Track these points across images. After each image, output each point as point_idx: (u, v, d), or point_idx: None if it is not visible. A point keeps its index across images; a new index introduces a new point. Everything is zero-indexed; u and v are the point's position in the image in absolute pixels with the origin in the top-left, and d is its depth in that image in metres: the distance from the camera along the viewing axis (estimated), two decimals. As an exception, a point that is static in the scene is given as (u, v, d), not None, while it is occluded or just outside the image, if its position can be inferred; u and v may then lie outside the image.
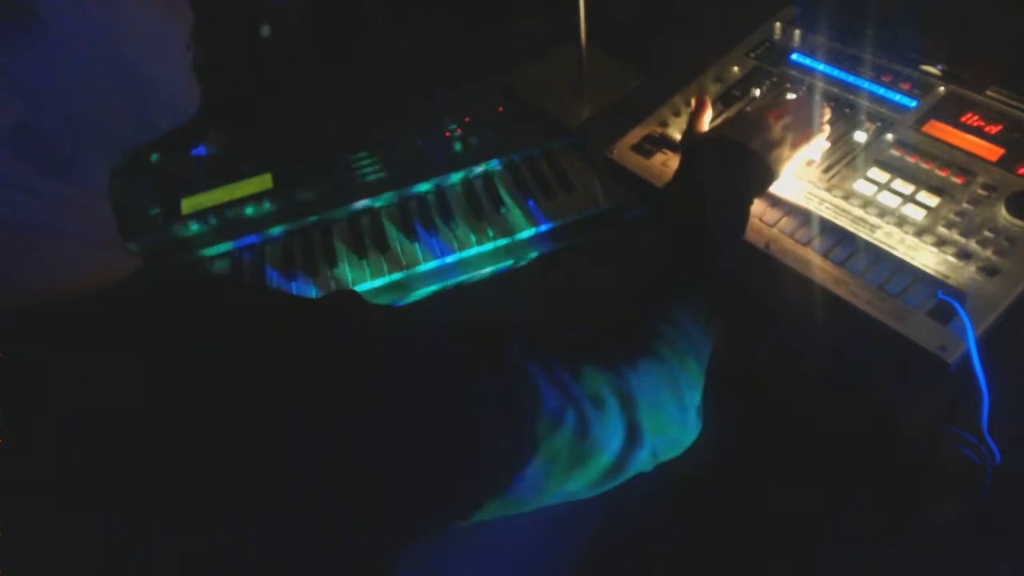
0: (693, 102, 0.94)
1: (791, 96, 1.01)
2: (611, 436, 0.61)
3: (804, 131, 0.89)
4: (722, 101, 1.05)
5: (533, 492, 0.58)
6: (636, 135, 1.05)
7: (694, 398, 0.69)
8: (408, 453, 0.49)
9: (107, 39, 0.45)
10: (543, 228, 1.11)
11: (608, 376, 0.63)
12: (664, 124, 1.05)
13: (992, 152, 0.88)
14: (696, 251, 0.78)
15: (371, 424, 0.48)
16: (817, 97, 0.97)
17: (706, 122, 0.93)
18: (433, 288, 1.07)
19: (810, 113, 0.91)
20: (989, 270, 0.78)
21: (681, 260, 0.77)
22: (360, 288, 1.07)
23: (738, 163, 0.82)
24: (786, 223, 0.89)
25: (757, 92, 1.04)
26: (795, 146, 0.88)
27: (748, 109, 1.00)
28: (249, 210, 1.17)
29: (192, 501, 0.44)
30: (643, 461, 0.65)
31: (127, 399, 0.44)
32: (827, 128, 0.92)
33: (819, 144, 0.92)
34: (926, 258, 0.80)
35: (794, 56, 1.07)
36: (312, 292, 1.07)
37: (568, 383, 0.60)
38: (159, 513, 0.44)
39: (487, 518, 0.57)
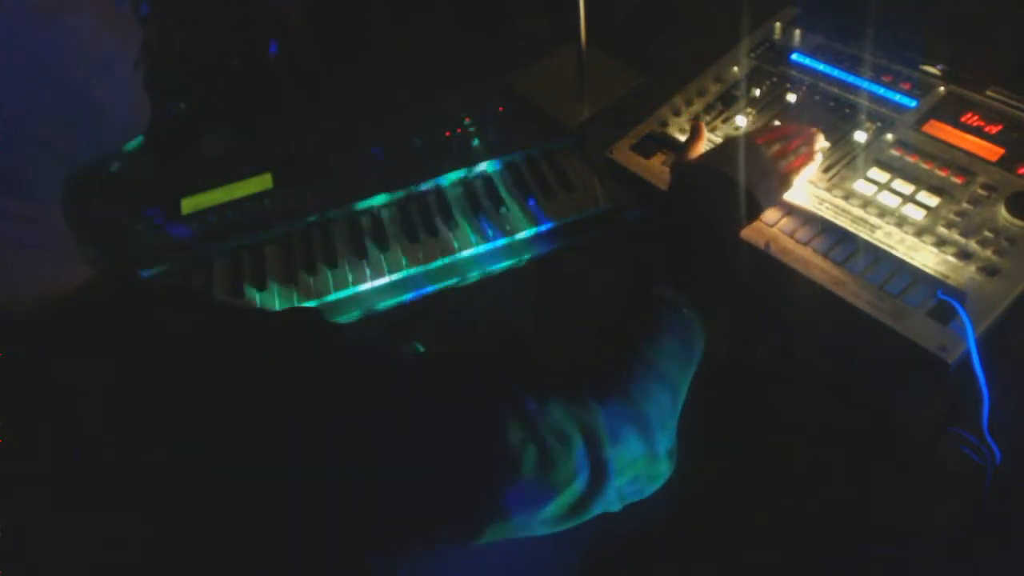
0: (689, 127, 0.93)
1: (791, 100, 1.01)
2: (575, 473, 0.60)
3: (794, 160, 0.88)
4: (722, 101, 1.05)
5: (492, 526, 0.57)
6: (636, 135, 1.05)
7: (665, 440, 0.68)
8: (363, 489, 0.49)
9: (55, 60, 0.46)
10: (543, 228, 1.11)
11: (576, 413, 0.62)
12: (664, 124, 1.05)
13: (992, 152, 0.88)
14: (675, 285, 0.75)
15: (337, 431, 0.48)
16: (809, 122, 0.96)
17: (700, 149, 0.91)
18: (434, 288, 1.07)
19: (801, 140, 0.90)
20: (989, 270, 0.78)
21: (661, 294, 0.75)
22: (360, 288, 1.07)
23: (723, 196, 0.81)
24: (786, 223, 0.88)
25: (757, 92, 1.04)
26: (785, 176, 0.87)
27: (736, 135, 0.99)
28: (249, 210, 1.17)
29: (191, 503, 0.45)
30: (608, 501, 0.64)
31: (121, 402, 0.44)
32: (819, 157, 0.91)
33: (810, 172, 0.90)
34: (926, 258, 0.80)
35: (794, 56, 1.07)
36: (312, 291, 1.07)
37: (533, 417, 0.59)
38: (158, 513, 0.44)
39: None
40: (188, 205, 1.18)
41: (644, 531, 0.91)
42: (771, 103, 1.03)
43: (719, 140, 0.98)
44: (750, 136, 0.89)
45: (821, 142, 0.92)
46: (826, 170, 0.92)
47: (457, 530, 0.57)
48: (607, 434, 0.62)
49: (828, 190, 0.90)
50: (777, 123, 1.00)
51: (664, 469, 0.68)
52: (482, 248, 1.09)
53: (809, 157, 0.89)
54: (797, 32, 1.10)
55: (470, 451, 0.55)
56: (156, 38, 0.55)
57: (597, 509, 0.64)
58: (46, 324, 0.46)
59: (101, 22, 0.48)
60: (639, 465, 0.66)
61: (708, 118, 1.03)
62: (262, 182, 1.20)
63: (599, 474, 0.62)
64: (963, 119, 0.92)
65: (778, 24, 1.12)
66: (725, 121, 1.02)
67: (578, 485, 0.61)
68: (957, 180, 0.86)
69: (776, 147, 0.87)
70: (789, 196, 0.89)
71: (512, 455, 0.56)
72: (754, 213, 0.83)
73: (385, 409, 0.50)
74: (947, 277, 0.78)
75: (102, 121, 0.51)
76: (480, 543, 0.58)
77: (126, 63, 0.51)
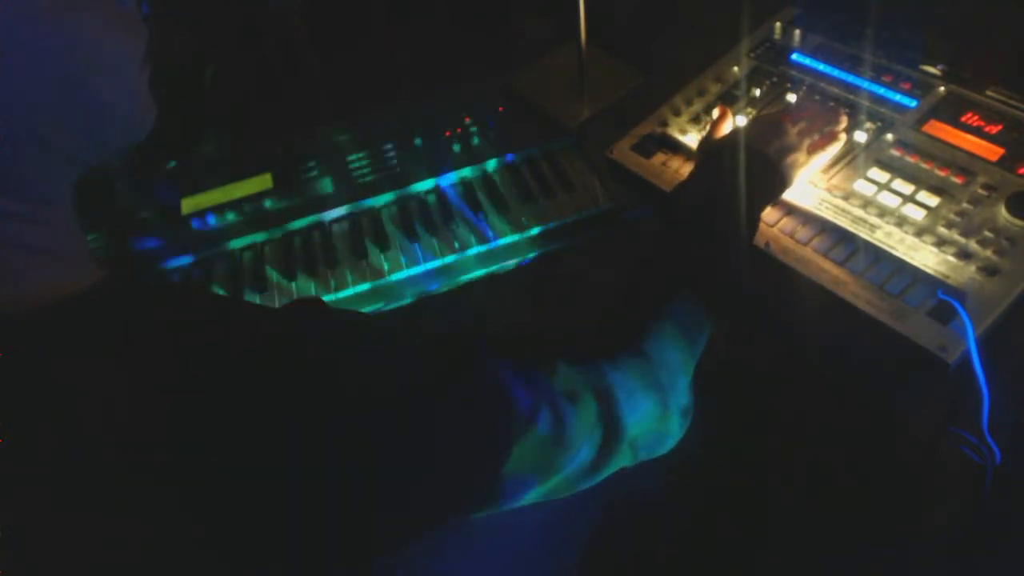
0: (715, 112, 0.95)
1: (801, 97, 1.01)
2: (588, 432, 0.61)
3: (821, 137, 0.89)
4: (722, 101, 1.05)
5: (511, 492, 0.57)
6: (636, 135, 1.05)
7: (678, 398, 0.69)
8: (363, 489, 0.49)
9: (59, 60, 0.46)
10: (543, 228, 1.11)
11: (584, 371, 0.63)
12: (664, 124, 1.05)
13: (992, 152, 0.88)
14: (699, 255, 0.77)
15: (337, 431, 0.48)
16: (834, 102, 0.97)
17: (725, 131, 0.92)
18: (434, 288, 1.07)
19: (827, 119, 0.91)
20: (989, 270, 0.78)
21: (683, 263, 0.77)
22: (360, 288, 1.07)
23: (751, 170, 0.82)
24: (786, 223, 0.88)
25: (757, 92, 1.04)
26: (811, 152, 0.88)
27: (763, 112, 1.00)
28: (249, 210, 1.17)
29: (191, 503, 0.45)
30: (622, 457, 0.65)
31: (121, 402, 0.44)
32: (844, 136, 0.91)
33: (835, 150, 0.91)
34: (926, 258, 0.80)
35: (794, 56, 1.07)
36: (312, 292, 1.07)
37: (541, 381, 0.60)
38: (158, 513, 0.44)
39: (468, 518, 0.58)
40: (188, 205, 1.18)
41: (642, 532, 0.91)
42: (771, 103, 1.03)
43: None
44: (775, 114, 0.91)
45: (846, 123, 0.92)
46: (826, 170, 0.92)
47: (474, 505, 0.58)
48: (618, 388, 0.63)
49: (828, 190, 0.90)
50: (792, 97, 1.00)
51: (677, 425, 0.69)
52: (482, 248, 1.09)
53: (834, 137, 0.90)
54: (797, 32, 1.10)
55: (481, 425, 0.55)
56: (156, 38, 0.55)
57: (613, 466, 0.65)
58: (46, 324, 0.46)
59: (104, 22, 0.48)
60: (652, 418, 0.67)
61: (709, 118, 1.03)
62: (262, 182, 1.20)
63: (612, 430, 0.62)
64: (963, 119, 0.92)
65: (778, 24, 1.12)
66: (725, 121, 1.02)
67: (593, 443, 0.62)
68: (957, 180, 0.86)
69: (801, 125, 0.89)
70: (789, 196, 0.89)
71: (523, 422, 0.57)
72: (781, 188, 0.85)
73: (385, 409, 0.50)
74: (947, 277, 0.78)
75: (106, 122, 0.51)
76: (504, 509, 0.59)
77: (131, 63, 0.51)
